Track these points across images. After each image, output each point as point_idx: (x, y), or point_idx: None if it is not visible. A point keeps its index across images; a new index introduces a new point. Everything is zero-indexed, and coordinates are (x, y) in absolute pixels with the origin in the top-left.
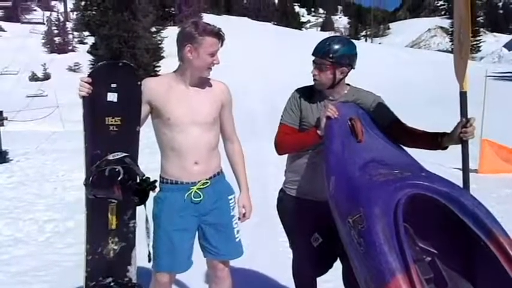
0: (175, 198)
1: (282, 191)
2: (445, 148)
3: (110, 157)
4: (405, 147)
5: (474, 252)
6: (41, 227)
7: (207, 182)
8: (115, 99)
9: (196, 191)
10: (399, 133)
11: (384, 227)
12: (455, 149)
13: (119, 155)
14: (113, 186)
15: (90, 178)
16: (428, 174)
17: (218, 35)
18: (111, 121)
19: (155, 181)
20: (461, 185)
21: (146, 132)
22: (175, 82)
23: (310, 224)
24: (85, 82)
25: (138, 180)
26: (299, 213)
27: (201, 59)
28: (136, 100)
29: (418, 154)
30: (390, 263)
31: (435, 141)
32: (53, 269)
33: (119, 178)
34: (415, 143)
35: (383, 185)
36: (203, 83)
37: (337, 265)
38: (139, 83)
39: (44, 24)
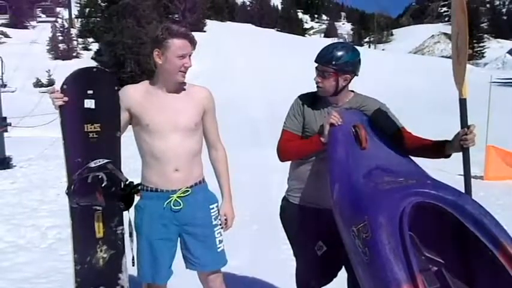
0: (155, 206)
1: (285, 199)
2: (448, 156)
3: (92, 164)
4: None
5: (481, 262)
6: (43, 234)
7: (188, 191)
8: (92, 106)
9: (177, 199)
10: (403, 141)
11: (389, 236)
12: (459, 156)
13: (101, 161)
14: (95, 193)
15: (72, 186)
16: (433, 182)
17: (186, 37)
18: (90, 128)
19: (139, 184)
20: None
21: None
22: (153, 88)
23: (314, 233)
24: (56, 93)
25: (122, 186)
26: (302, 222)
27: (170, 62)
28: (115, 106)
29: (422, 160)
30: (396, 273)
31: (439, 149)
32: (55, 276)
33: (103, 185)
34: (419, 152)
35: (388, 193)
36: (182, 88)
37: (343, 273)
38: (116, 88)
39: (58, 21)
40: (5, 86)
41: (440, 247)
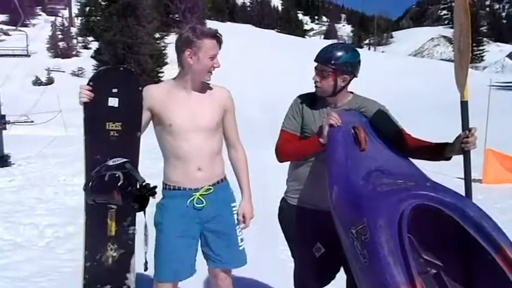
0: (177, 204)
1: (283, 200)
2: (449, 159)
3: (110, 162)
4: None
5: (480, 265)
6: (41, 232)
7: (210, 189)
8: (116, 104)
9: (199, 197)
10: (403, 143)
11: (388, 239)
12: (458, 159)
13: (119, 160)
14: (113, 192)
15: (90, 183)
16: (433, 184)
17: (216, 37)
18: (112, 126)
19: (155, 187)
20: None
21: (146, 139)
22: (176, 88)
23: (312, 234)
24: (85, 89)
25: (138, 186)
26: (301, 223)
27: (202, 63)
28: (137, 105)
29: (422, 163)
30: (395, 276)
31: (439, 151)
32: (52, 274)
33: (119, 184)
34: (418, 154)
35: (387, 195)
36: (205, 88)
37: (341, 275)
38: (140, 88)
39: (65, 9)
40: (29, 55)
41: (439, 250)
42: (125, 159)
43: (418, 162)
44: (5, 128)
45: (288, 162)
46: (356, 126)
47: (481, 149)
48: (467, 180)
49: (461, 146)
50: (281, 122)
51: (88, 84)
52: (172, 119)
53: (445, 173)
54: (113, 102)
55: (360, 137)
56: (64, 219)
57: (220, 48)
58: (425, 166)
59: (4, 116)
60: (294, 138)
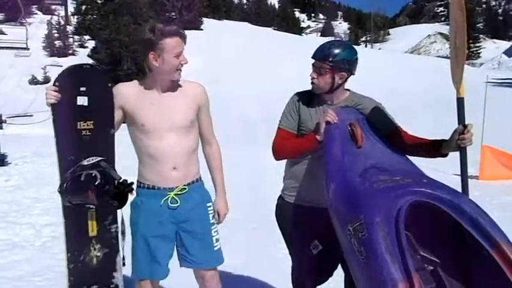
0: (152, 203)
1: (280, 197)
2: (445, 155)
3: (85, 162)
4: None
5: (477, 261)
6: (38, 232)
7: (185, 188)
8: (85, 103)
9: (174, 196)
10: (399, 140)
11: (385, 235)
12: (455, 155)
13: (94, 159)
14: (87, 192)
15: (65, 184)
16: (429, 181)
17: (178, 34)
18: (83, 125)
19: (132, 183)
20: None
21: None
22: (147, 87)
23: (310, 231)
24: (52, 90)
25: (115, 184)
26: (298, 220)
27: (168, 63)
28: (108, 102)
29: (418, 160)
30: (392, 273)
31: (435, 148)
32: (49, 274)
33: (96, 183)
34: (415, 151)
35: (384, 191)
36: (176, 86)
37: (339, 272)
38: (109, 84)
39: (62, 5)
40: (28, 49)
41: (435, 246)
42: (100, 158)
43: (414, 159)
44: (1, 128)
45: (285, 160)
46: (353, 123)
47: (478, 145)
48: (464, 176)
49: (457, 143)
50: (278, 120)
51: (54, 84)
52: (144, 119)
53: (441, 170)
54: (82, 101)
55: (357, 134)
56: (60, 219)
57: (185, 43)
58: (421, 163)
59: (0, 115)
60: (291, 136)
